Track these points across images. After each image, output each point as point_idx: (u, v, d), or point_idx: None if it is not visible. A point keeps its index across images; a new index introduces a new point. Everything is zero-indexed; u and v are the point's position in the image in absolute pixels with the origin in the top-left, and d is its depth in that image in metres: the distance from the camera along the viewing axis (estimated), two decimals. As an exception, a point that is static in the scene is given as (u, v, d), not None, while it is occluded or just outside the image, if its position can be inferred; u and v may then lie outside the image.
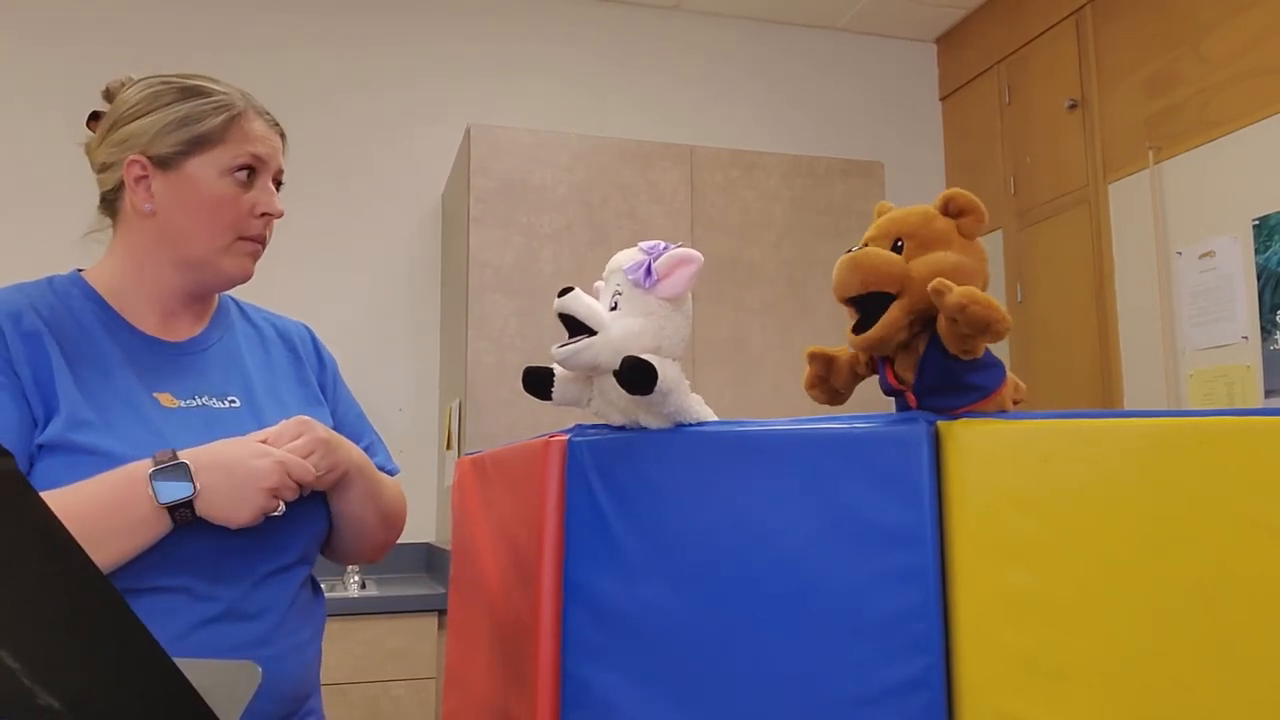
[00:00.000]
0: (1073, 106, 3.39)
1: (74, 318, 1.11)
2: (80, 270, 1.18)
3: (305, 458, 1.06)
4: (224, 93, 1.16)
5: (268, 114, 1.21)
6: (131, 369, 1.10)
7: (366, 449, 1.28)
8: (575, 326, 0.98)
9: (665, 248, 1.01)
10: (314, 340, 1.35)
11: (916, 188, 4.04)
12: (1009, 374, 1.00)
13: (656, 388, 0.94)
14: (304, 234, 3.39)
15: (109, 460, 1.00)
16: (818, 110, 4.02)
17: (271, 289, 3.28)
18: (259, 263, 1.23)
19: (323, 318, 3.45)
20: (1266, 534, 0.90)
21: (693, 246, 1.01)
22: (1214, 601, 0.89)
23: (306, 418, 1.11)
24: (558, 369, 1.05)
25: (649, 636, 0.94)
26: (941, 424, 0.91)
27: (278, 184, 1.22)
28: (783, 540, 0.92)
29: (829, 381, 1.07)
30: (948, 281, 0.88)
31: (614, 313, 1.00)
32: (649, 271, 1.00)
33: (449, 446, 3.19)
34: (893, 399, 1.04)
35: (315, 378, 1.29)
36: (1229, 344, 2.80)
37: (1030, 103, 3.62)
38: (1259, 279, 2.73)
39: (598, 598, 0.97)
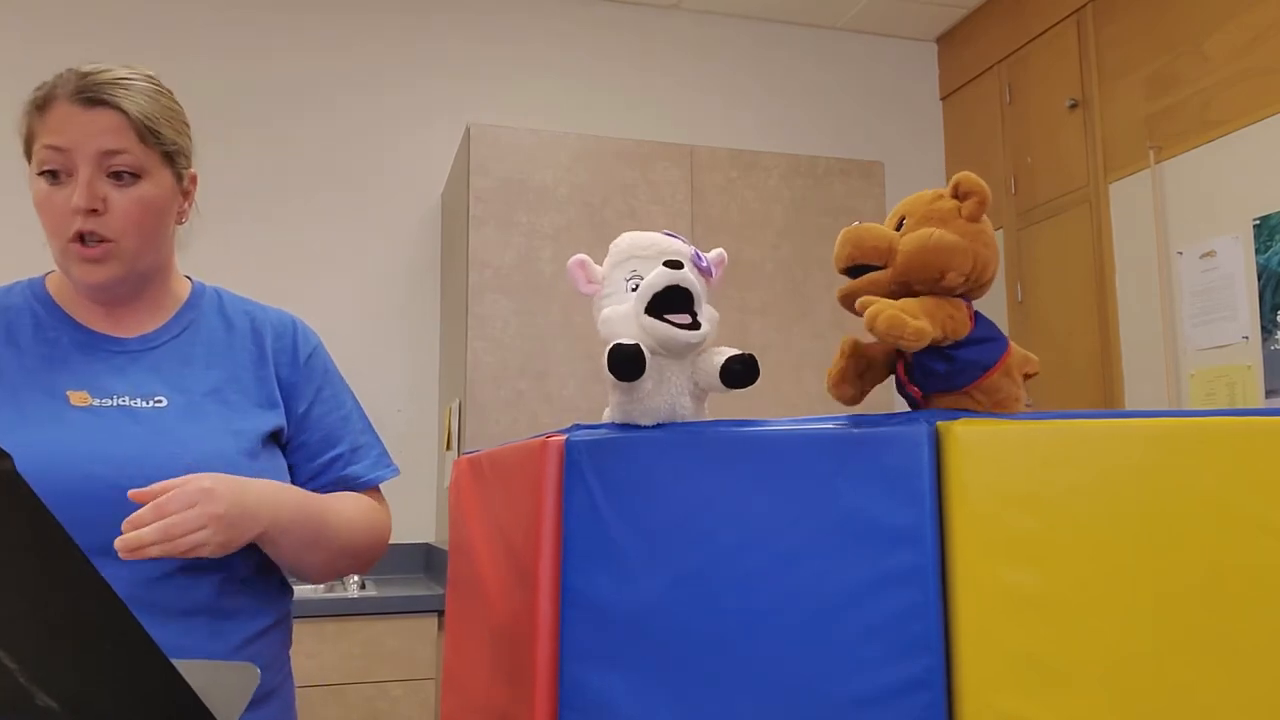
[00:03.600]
0: (1073, 106, 3.38)
1: (6, 320, 1.12)
2: (52, 272, 1.18)
3: (193, 532, 0.96)
4: (41, 85, 1.08)
5: (92, 90, 1.05)
6: (49, 370, 1.09)
7: (339, 457, 1.22)
8: (679, 303, 0.94)
9: (684, 240, 1.02)
10: (295, 334, 1.25)
11: (916, 188, 4.00)
12: (1014, 347, 0.99)
13: (697, 351, 0.95)
14: (304, 234, 3.39)
15: None
16: (818, 110, 4.02)
17: (271, 288, 3.28)
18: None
19: (322, 317, 3.44)
20: (1266, 534, 0.90)
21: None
22: (1214, 601, 0.88)
23: (209, 486, 0.99)
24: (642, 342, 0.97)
25: (647, 636, 0.94)
26: (942, 424, 0.91)
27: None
28: (782, 540, 0.92)
29: (864, 378, 1.04)
30: (871, 298, 0.91)
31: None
32: (702, 261, 1.01)
33: (448, 447, 3.19)
34: (900, 393, 1.04)
35: (283, 375, 1.21)
36: (1230, 344, 2.80)
37: (1031, 102, 3.61)
38: (1260, 279, 2.72)
39: (595, 598, 0.97)
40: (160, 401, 1.11)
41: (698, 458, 0.97)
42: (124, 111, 1.06)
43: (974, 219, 0.98)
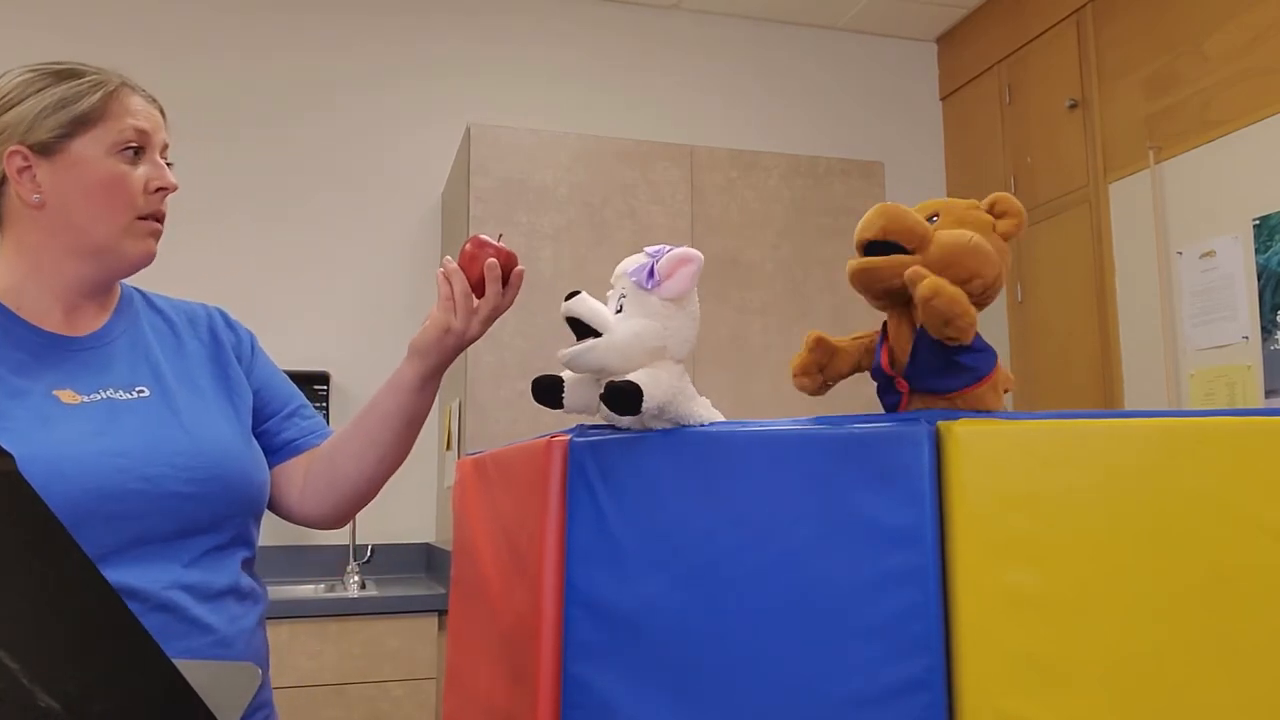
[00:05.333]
0: (1073, 106, 3.38)
1: None
2: None
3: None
4: (96, 71, 1.12)
5: (144, 90, 1.17)
6: (29, 370, 1.08)
7: (298, 410, 1.29)
8: (581, 329, 0.99)
9: (668, 250, 1.02)
10: (225, 317, 1.30)
11: (916, 188, 4.04)
12: (999, 362, 1.00)
13: (645, 408, 0.96)
14: (304, 234, 3.39)
15: None
16: (818, 110, 4.02)
17: (271, 288, 3.29)
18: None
19: (322, 317, 3.46)
20: (1266, 534, 0.90)
21: (693, 246, 1.02)
22: (1214, 601, 0.89)
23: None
24: (567, 375, 1.06)
25: (650, 637, 0.94)
26: (942, 424, 0.91)
27: (167, 161, 1.17)
28: (783, 540, 0.92)
29: (824, 371, 1.07)
30: (924, 270, 0.90)
31: (619, 315, 1.02)
32: (651, 273, 1.01)
33: (449, 447, 3.19)
34: (877, 385, 1.04)
35: (234, 353, 1.26)
36: (1229, 344, 2.80)
37: (1030, 103, 3.62)
38: (1259, 279, 2.72)
39: (599, 598, 0.97)
40: (143, 391, 1.12)
41: (700, 458, 0.97)
42: (164, 117, 1.18)
43: (1005, 236, 0.99)
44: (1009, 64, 3.73)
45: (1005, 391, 1.04)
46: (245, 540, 1.16)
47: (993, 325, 3.76)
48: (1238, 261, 2.79)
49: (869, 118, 4.07)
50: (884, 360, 0.99)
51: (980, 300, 0.98)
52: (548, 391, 1.06)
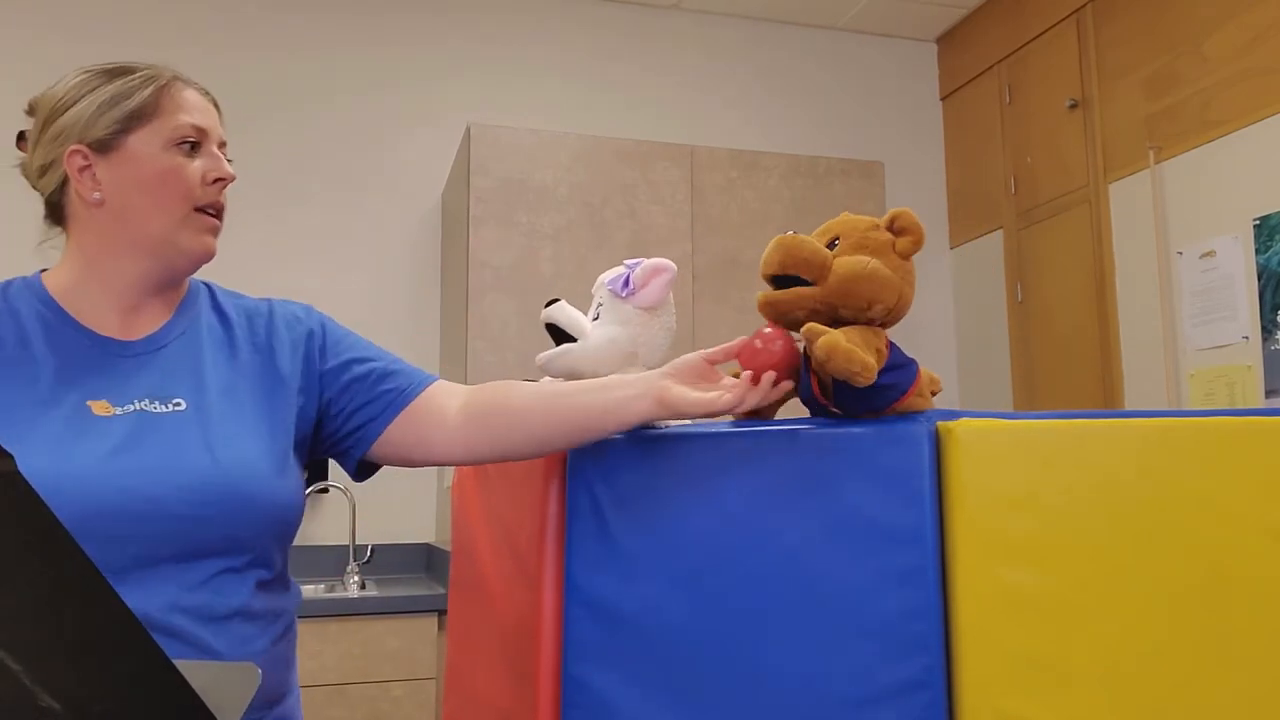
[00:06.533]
0: (1073, 106, 3.38)
1: (17, 325, 1.09)
2: (43, 270, 1.15)
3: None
4: (148, 67, 1.13)
5: (197, 84, 1.17)
6: (68, 378, 1.07)
7: (389, 367, 1.20)
8: (559, 335, 1.02)
9: (633, 264, 1.06)
10: (290, 314, 1.23)
11: (916, 188, 4.04)
12: (922, 369, 1.01)
13: None
14: (304, 233, 3.39)
15: None
16: (818, 110, 4.02)
17: (271, 287, 3.28)
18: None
19: (323, 318, 3.45)
20: (1266, 534, 0.90)
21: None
22: (1213, 601, 0.89)
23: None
24: (543, 381, 1.09)
25: (649, 637, 0.95)
26: (942, 424, 0.91)
27: (225, 156, 1.17)
28: (783, 540, 0.92)
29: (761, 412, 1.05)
30: (820, 328, 0.92)
31: (595, 322, 1.05)
32: (626, 283, 1.04)
33: (449, 446, 3.19)
34: (810, 410, 1.03)
35: (299, 365, 1.19)
36: (1230, 344, 2.80)
37: (1030, 103, 3.62)
38: (1260, 279, 2.73)
39: (598, 598, 0.98)
40: (179, 404, 1.09)
41: (699, 458, 0.98)
42: (219, 110, 1.19)
43: (905, 255, 0.99)
44: (1009, 64, 3.73)
45: (934, 394, 1.06)
46: (264, 563, 1.10)
47: (993, 325, 3.77)
48: (1238, 261, 2.79)
49: (869, 118, 4.07)
50: (814, 388, 0.99)
51: (886, 321, 1.00)
52: None
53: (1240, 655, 0.88)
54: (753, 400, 0.95)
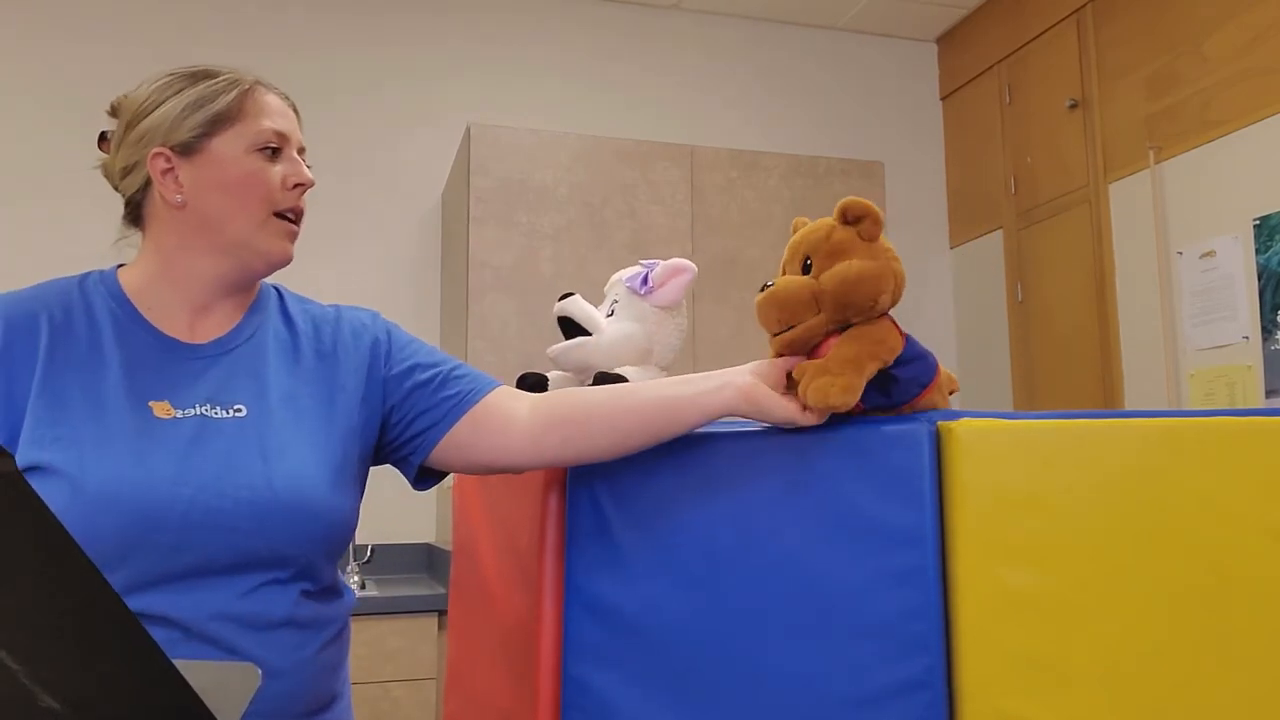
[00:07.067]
0: (1073, 106, 3.38)
1: (90, 319, 1.09)
2: (120, 266, 1.15)
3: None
4: (231, 70, 1.15)
5: (278, 89, 1.19)
6: (133, 377, 1.07)
7: (453, 372, 1.16)
8: (572, 329, 1.02)
9: (649, 264, 1.06)
10: (356, 322, 1.23)
11: (916, 188, 4.04)
12: (941, 366, 1.01)
13: None
14: (304, 233, 3.38)
15: (57, 477, 0.97)
16: (818, 110, 4.02)
17: (272, 289, 3.28)
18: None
19: (323, 318, 3.46)
20: (1266, 534, 0.90)
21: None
22: (1214, 601, 0.89)
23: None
24: (552, 375, 1.09)
25: (649, 637, 0.94)
26: (942, 424, 0.91)
27: (305, 161, 1.18)
28: (783, 540, 0.92)
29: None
30: (802, 367, 0.93)
31: (609, 318, 1.04)
32: (644, 280, 1.04)
33: (449, 446, 3.19)
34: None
35: (362, 374, 1.17)
36: (1230, 344, 2.80)
37: (1030, 103, 3.62)
38: (1260, 279, 2.73)
39: (598, 598, 0.98)
40: (240, 410, 1.09)
41: (700, 458, 0.98)
42: (299, 115, 1.19)
43: (872, 239, 0.98)
44: (1009, 64, 3.73)
45: (951, 393, 1.05)
46: (311, 575, 1.09)
47: (993, 325, 3.77)
48: (1238, 261, 2.79)
49: (869, 118, 4.07)
50: None
51: (895, 299, 0.98)
52: (532, 389, 1.09)
53: (1241, 656, 0.88)
54: (817, 421, 0.94)
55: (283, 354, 1.16)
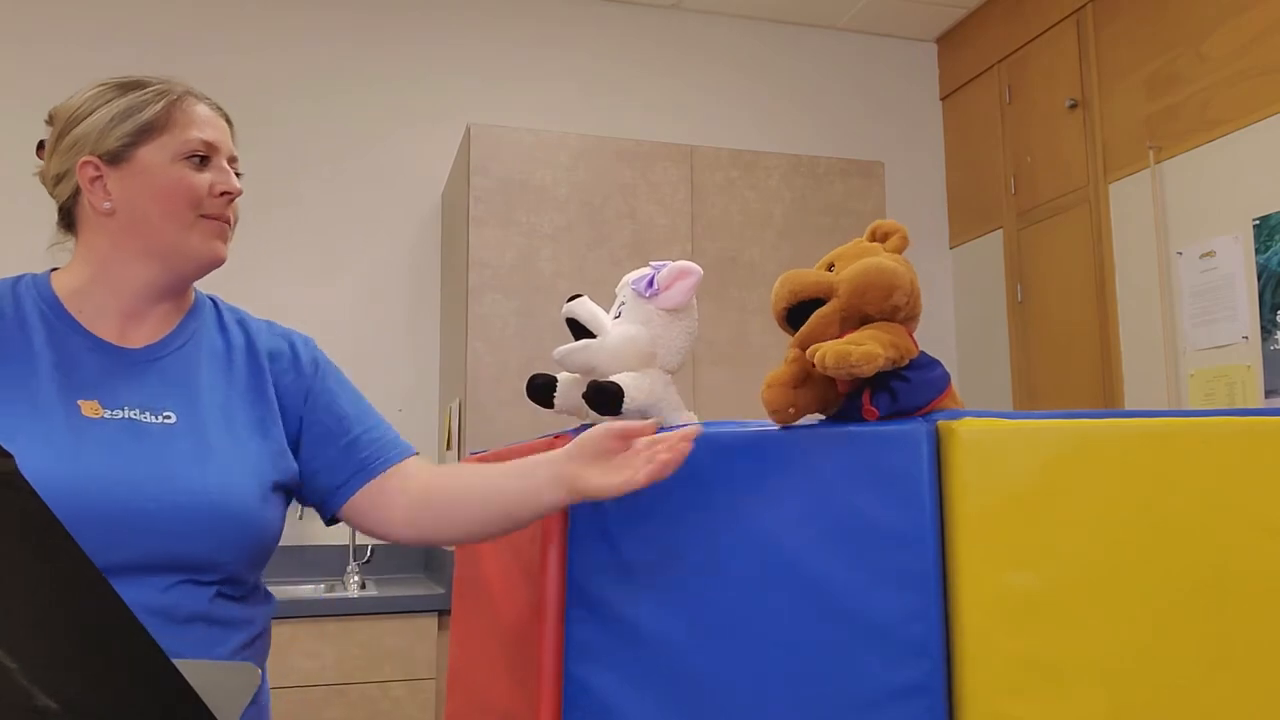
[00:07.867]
0: (1073, 106, 3.38)
1: (21, 321, 1.10)
2: (53, 270, 1.16)
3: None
4: (161, 81, 1.16)
5: (209, 99, 1.19)
6: (63, 376, 1.08)
7: (365, 434, 1.20)
8: (579, 331, 1.02)
9: (657, 265, 1.07)
10: (293, 344, 1.24)
11: (916, 188, 4.04)
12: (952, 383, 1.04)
13: (625, 408, 0.98)
14: (303, 233, 3.39)
15: None
16: (818, 110, 4.02)
17: (271, 288, 3.29)
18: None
19: (322, 317, 3.45)
20: (1266, 534, 0.90)
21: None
22: (1214, 602, 0.88)
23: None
24: (562, 376, 1.09)
25: (650, 638, 0.94)
26: (942, 424, 0.91)
27: (235, 171, 1.18)
28: (783, 542, 0.92)
29: (799, 389, 1.01)
30: (824, 346, 0.93)
31: (616, 320, 1.05)
32: (651, 283, 1.04)
33: (449, 447, 3.19)
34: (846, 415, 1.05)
35: (284, 384, 1.19)
36: (1229, 344, 2.80)
37: (1030, 102, 3.61)
38: (1259, 279, 2.72)
39: (600, 600, 0.97)
40: (169, 418, 1.10)
41: (700, 459, 0.97)
42: (231, 126, 1.20)
43: (898, 252, 1.03)
44: (1009, 64, 3.73)
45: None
46: (232, 578, 1.10)
47: (993, 325, 3.76)
48: (1238, 261, 2.79)
49: (869, 118, 4.07)
50: (865, 396, 1.00)
51: (912, 309, 1.00)
52: (541, 391, 1.10)
53: (1241, 656, 0.88)
54: (670, 469, 0.93)
55: (216, 364, 1.18)
